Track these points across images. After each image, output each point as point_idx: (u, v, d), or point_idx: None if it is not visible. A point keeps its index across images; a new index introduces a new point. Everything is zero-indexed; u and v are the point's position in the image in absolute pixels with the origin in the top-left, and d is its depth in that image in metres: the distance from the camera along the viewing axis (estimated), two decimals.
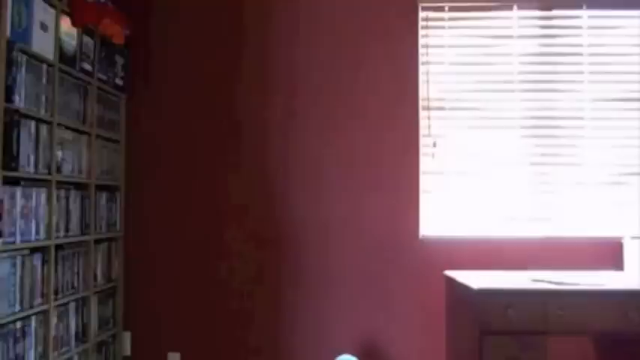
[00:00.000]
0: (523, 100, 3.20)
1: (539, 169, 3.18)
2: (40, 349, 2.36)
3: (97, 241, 2.91)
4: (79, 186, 2.74)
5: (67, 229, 2.59)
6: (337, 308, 3.12)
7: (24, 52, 2.23)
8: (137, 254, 3.20)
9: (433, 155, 3.19)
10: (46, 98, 2.42)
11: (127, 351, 3.16)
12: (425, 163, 3.18)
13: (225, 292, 3.15)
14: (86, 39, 2.78)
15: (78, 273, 2.70)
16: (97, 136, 2.90)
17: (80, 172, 2.74)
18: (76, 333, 2.68)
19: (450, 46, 3.22)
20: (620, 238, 3.03)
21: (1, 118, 2.06)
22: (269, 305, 3.14)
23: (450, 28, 3.23)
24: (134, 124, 3.24)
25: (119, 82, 3.14)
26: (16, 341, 2.18)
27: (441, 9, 3.22)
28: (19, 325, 2.20)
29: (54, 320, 2.46)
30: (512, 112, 3.20)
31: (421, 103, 3.19)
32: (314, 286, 3.13)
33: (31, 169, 2.30)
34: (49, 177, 2.43)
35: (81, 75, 2.72)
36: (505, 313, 2.28)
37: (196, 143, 3.21)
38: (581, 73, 3.19)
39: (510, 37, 3.22)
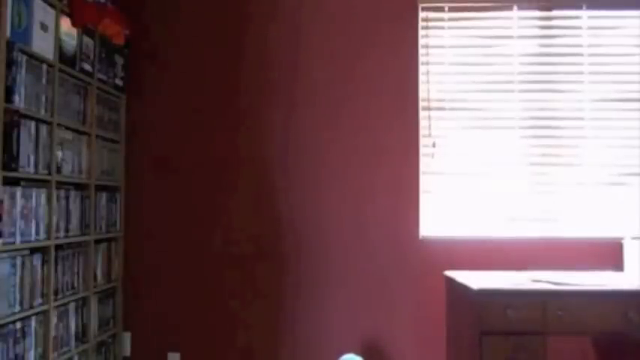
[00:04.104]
0: (523, 101, 3.20)
1: (539, 169, 3.18)
2: (40, 349, 2.36)
3: (97, 241, 2.91)
4: (79, 186, 2.74)
5: (67, 230, 2.59)
6: (337, 308, 3.12)
7: (24, 52, 2.23)
8: (137, 254, 3.20)
9: (433, 155, 3.19)
10: (46, 98, 2.41)
11: (127, 351, 3.16)
12: (425, 163, 3.18)
13: (225, 292, 3.15)
14: (86, 39, 2.78)
15: (78, 273, 2.70)
16: (97, 136, 2.90)
17: (80, 172, 2.74)
18: (76, 333, 2.68)
19: (450, 47, 3.22)
20: (621, 239, 3.03)
21: (1, 118, 2.06)
22: (269, 305, 3.14)
23: (450, 28, 3.23)
24: (134, 124, 3.24)
25: (119, 82, 3.14)
26: (16, 341, 2.18)
27: (441, 9, 3.22)
28: (19, 325, 2.20)
29: (54, 320, 2.46)
30: (512, 112, 3.20)
31: (421, 104, 3.19)
32: (314, 286, 3.13)
33: (31, 169, 2.30)
34: (49, 177, 2.43)
35: (81, 75, 2.72)
36: (505, 313, 2.28)
37: (196, 144, 3.21)
38: (581, 73, 3.19)
39: (510, 37, 3.22)
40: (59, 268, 2.52)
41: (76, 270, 2.68)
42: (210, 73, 3.22)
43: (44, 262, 2.39)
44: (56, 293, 2.49)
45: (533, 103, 3.20)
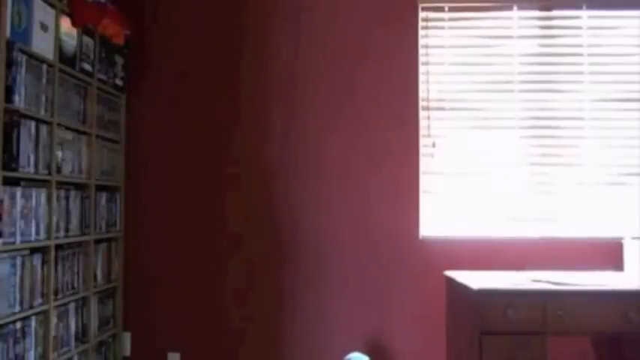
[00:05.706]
0: (523, 101, 3.20)
1: (539, 169, 3.18)
2: (40, 349, 2.36)
3: (97, 241, 2.91)
4: (79, 186, 2.74)
5: (67, 229, 2.59)
6: (338, 308, 3.12)
7: (24, 52, 2.23)
8: (137, 254, 3.20)
9: (433, 155, 3.19)
10: (46, 98, 2.42)
11: (127, 351, 3.16)
12: (425, 163, 3.18)
13: (225, 292, 3.15)
14: (86, 39, 2.78)
15: (78, 273, 2.70)
16: (97, 136, 2.90)
17: (80, 172, 2.74)
18: (76, 333, 2.68)
19: (450, 47, 3.22)
20: (621, 239, 3.03)
21: (1, 118, 2.06)
22: (270, 305, 3.14)
23: (450, 28, 3.23)
24: (134, 124, 3.24)
25: (119, 82, 3.14)
26: (16, 341, 2.18)
27: (441, 9, 3.22)
28: (19, 325, 2.20)
29: (54, 320, 2.46)
30: (512, 112, 3.20)
31: (421, 104, 3.19)
32: (314, 286, 3.13)
33: (31, 169, 2.30)
34: (49, 177, 2.43)
35: (81, 75, 2.72)
36: (505, 314, 2.28)
37: (196, 143, 3.21)
38: (581, 73, 3.19)
39: (510, 37, 3.22)
40: (59, 268, 2.52)
41: (76, 270, 2.68)
42: (210, 74, 3.22)
43: (44, 262, 2.39)
44: (56, 293, 2.49)
45: (533, 103, 3.20)
